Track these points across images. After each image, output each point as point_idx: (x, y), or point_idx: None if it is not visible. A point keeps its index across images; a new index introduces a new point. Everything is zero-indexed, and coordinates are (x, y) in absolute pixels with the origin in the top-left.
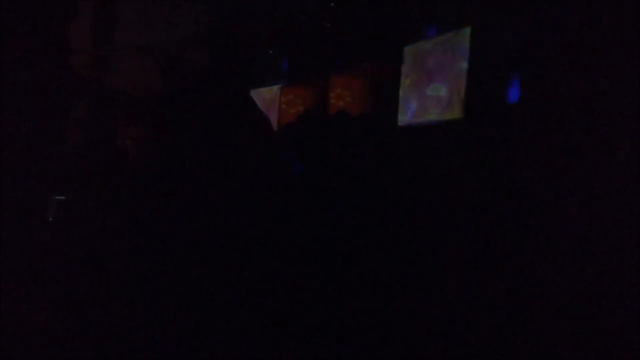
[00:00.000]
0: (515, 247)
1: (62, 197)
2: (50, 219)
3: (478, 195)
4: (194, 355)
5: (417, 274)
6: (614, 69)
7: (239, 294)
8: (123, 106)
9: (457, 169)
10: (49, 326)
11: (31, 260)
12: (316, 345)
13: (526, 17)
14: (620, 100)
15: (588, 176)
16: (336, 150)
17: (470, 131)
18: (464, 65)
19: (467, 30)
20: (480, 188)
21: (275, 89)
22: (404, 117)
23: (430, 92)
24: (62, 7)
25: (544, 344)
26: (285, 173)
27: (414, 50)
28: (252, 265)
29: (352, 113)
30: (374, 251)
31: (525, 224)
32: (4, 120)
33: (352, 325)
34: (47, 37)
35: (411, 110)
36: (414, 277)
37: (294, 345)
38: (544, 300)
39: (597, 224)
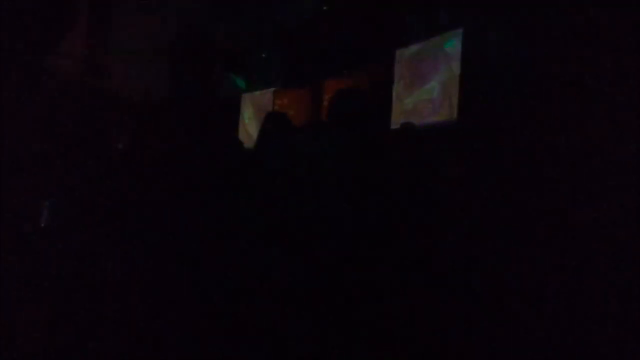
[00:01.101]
0: (508, 248)
1: (56, 201)
2: (46, 223)
3: (471, 196)
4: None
5: (410, 275)
6: (608, 69)
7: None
8: (117, 110)
9: (450, 170)
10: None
11: (28, 264)
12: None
13: (518, 19)
14: (613, 99)
15: (582, 176)
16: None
17: (463, 133)
18: (457, 67)
19: (459, 33)
20: (473, 188)
21: (269, 92)
22: (398, 120)
23: (423, 95)
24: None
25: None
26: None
27: (406, 53)
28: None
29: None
30: (366, 253)
31: (520, 225)
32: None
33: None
34: (43, 41)
35: (404, 112)
36: (406, 279)
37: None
38: (543, 301)
39: (593, 222)
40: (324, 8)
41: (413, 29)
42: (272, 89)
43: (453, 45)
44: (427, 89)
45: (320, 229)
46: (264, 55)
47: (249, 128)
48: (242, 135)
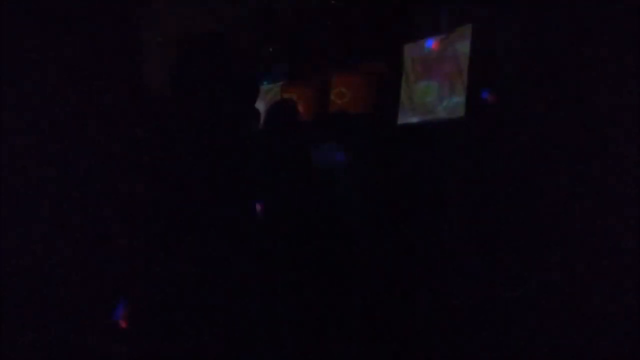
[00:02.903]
0: (513, 245)
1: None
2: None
3: (478, 194)
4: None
5: (416, 271)
6: (615, 67)
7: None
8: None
9: (458, 167)
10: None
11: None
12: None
13: (528, 15)
14: (623, 97)
15: (590, 174)
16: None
17: (472, 130)
18: (465, 63)
19: (469, 28)
20: (480, 186)
21: (276, 86)
22: (405, 116)
23: (431, 91)
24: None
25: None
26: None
27: (415, 48)
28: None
29: (353, 111)
30: (375, 248)
31: (525, 223)
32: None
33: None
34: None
35: (412, 108)
36: (413, 274)
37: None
38: (543, 299)
39: (599, 221)
40: (332, 1)
41: (422, 24)
42: (280, 83)
43: (462, 40)
44: (435, 85)
45: (323, 227)
46: (270, 49)
47: None
48: None
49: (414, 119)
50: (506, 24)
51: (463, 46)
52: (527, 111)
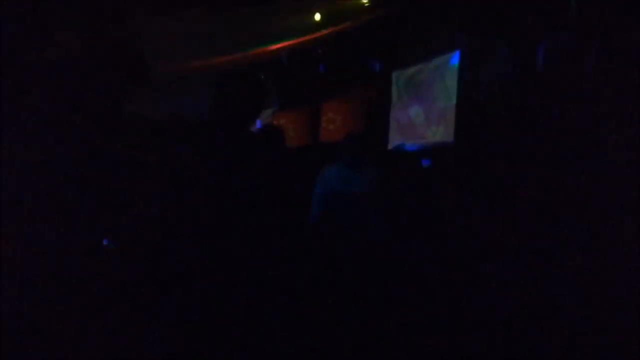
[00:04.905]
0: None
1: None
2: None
3: (466, 217)
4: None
5: (408, 285)
6: (603, 91)
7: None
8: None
9: (446, 191)
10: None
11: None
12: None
13: (515, 41)
14: (608, 116)
15: (581, 199)
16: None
17: (460, 154)
18: (454, 88)
19: (456, 54)
20: (469, 211)
21: (269, 113)
22: (394, 141)
23: (420, 116)
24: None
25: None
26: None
27: (403, 75)
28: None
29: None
30: (364, 268)
31: (513, 249)
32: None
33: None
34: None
35: (401, 133)
36: (405, 286)
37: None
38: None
39: (591, 243)
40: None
41: (410, 50)
42: (272, 110)
43: (450, 66)
44: (424, 110)
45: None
46: (262, 77)
47: None
48: None
49: (403, 144)
50: (493, 49)
51: (451, 71)
52: (515, 136)
